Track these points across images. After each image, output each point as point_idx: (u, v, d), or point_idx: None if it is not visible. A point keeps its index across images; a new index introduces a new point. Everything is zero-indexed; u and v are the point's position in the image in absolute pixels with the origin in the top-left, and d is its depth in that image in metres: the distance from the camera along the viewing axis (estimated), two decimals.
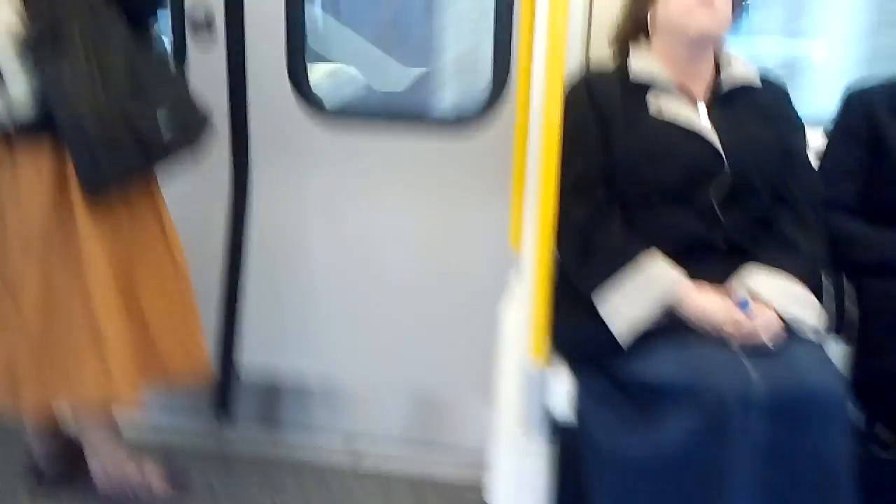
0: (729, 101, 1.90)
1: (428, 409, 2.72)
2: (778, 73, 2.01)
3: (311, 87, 2.63)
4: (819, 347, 1.75)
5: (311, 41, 2.73)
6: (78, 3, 1.96)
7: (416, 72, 3.93)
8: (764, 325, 1.69)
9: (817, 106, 2.47)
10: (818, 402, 1.58)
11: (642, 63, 1.91)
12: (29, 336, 2.09)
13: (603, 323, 1.75)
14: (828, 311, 1.83)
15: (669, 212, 1.81)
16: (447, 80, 3.87)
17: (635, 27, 1.96)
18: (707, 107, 1.89)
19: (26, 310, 2.08)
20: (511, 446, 1.93)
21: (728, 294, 1.76)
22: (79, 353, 2.09)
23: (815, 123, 2.05)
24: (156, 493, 2.38)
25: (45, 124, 1.98)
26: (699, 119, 1.85)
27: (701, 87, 1.91)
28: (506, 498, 1.98)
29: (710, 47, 1.90)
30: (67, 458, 2.44)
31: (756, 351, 1.67)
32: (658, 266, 1.76)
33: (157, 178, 2.20)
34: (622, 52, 1.99)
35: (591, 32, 2.20)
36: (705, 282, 1.77)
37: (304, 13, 2.57)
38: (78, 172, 1.99)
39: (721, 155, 1.81)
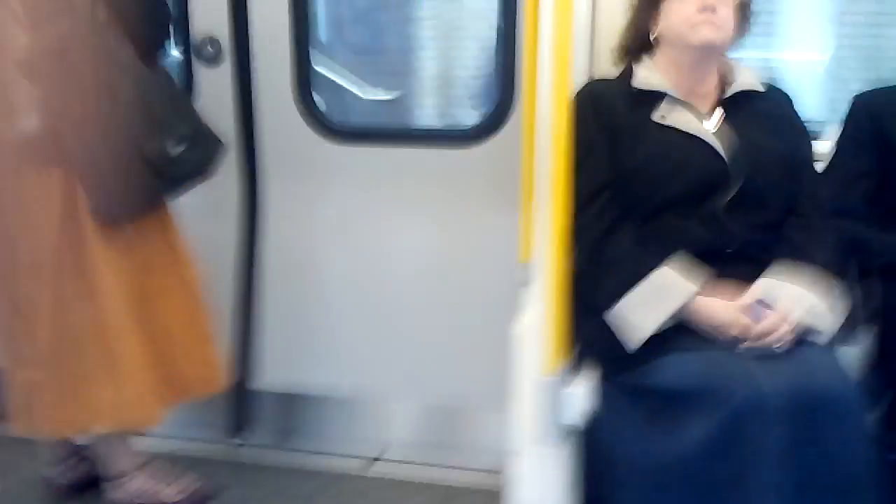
0: (734, 109, 1.91)
1: (444, 417, 2.73)
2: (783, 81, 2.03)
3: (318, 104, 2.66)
4: (832, 351, 1.75)
5: None
6: (89, 38, 1.97)
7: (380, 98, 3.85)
8: (774, 331, 1.70)
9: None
10: (834, 405, 1.58)
11: (647, 74, 1.92)
12: (43, 363, 2.10)
13: (615, 332, 1.77)
14: (840, 316, 1.83)
15: (679, 220, 1.82)
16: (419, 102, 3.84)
17: (639, 39, 1.98)
18: (713, 116, 1.90)
19: (39, 336, 2.09)
20: (529, 454, 1.94)
21: (739, 299, 1.76)
22: (94, 379, 2.10)
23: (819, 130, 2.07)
24: None
25: (54, 150, 1.99)
26: (705, 128, 1.87)
27: (706, 97, 1.93)
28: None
29: (713, 58, 1.92)
30: (80, 468, 2.45)
31: (770, 356, 1.68)
32: (668, 275, 1.77)
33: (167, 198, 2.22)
34: (626, 64, 2.00)
35: (595, 44, 2.22)
36: (716, 292, 1.77)
37: (310, 32, 2.60)
38: (91, 207, 2.01)
39: (727, 164, 1.82)
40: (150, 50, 2.11)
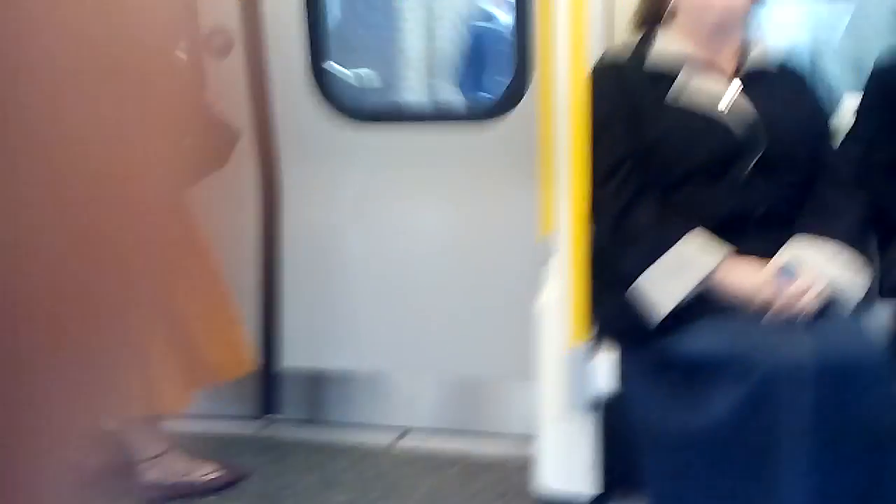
0: (752, 83, 1.90)
1: (469, 392, 2.76)
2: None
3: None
4: (858, 318, 1.75)
5: None
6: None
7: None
8: (804, 294, 1.70)
9: None
10: (861, 372, 1.59)
11: (665, 46, 1.92)
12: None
13: (642, 302, 1.77)
14: (865, 282, 1.83)
15: (705, 187, 1.82)
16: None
17: (657, 8, 1.97)
18: (731, 86, 1.89)
19: None
20: (556, 425, 1.96)
21: (769, 266, 1.76)
22: (119, 371, 2.12)
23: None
24: (206, 487, 2.41)
25: None
26: (729, 92, 1.86)
27: (728, 65, 1.92)
28: (553, 476, 2.01)
29: (733, 27, 1.91)
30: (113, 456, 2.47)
31: (798, 320, 1.68)
32: (694, 244, 1.77)
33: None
34: (645, 34, 1.99)
35: (613, 15, 2.21)
36: (747, 255, 1.77)
37: (325, 13, 2.60)
38: None
39: (754, 125, 1.82)
40: None
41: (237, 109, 2.51)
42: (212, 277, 2.28)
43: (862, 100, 2.06)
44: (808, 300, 1.70)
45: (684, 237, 1.78)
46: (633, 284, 1.78)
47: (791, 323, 1.68)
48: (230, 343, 2.32)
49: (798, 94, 1.93)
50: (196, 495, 2.39)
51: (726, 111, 1.85)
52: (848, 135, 1.99)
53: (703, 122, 1.84)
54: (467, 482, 2.45)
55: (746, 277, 1.74)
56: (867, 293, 1.81)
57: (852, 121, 2.06)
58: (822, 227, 1.82)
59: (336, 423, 2.81)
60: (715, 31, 1.90)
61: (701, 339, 1.69)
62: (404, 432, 2.74)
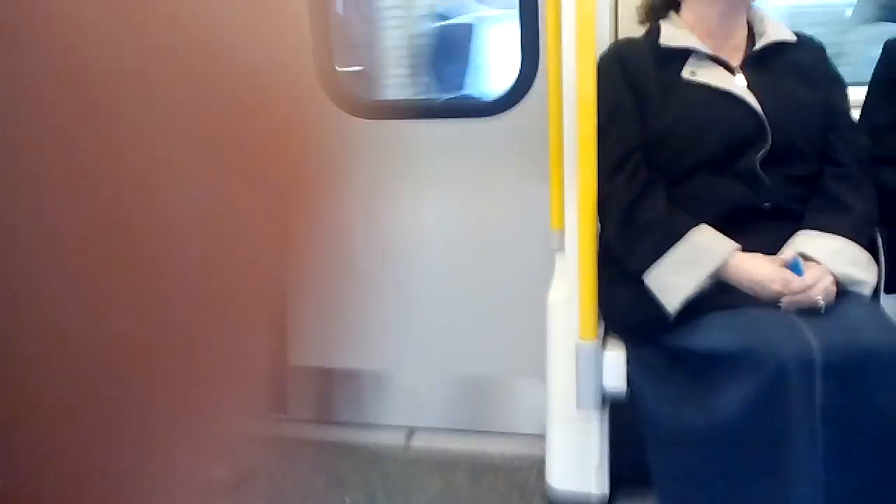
0: (765, 62, 1.87)
1: (481, 388, 2.73)
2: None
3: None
4: (874, 306, 1.73)
5: None
6: None
7: None
8: (815, 284, 1.68)
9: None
10: (876, 361, 1.56)
11: (674, 31, 1.89)
12: None
13: (652, 296, 1.75)
14: (880, 267, 1.81)
15: (713, 179, 1.80)
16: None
17: (663, 8, 1.94)
18: (744, 71, 1.87)
19: None
20: (567, 423, 1.94)
21: (778, 258, 1.74)
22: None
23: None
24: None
25: None
26: (736, 84, 1.83)
27: (736, 52, 1.89)
28: (564, 474, 1.99)
29: (742, 12, 1.89)
30: None
31: (810, 312, 1.66)
32: (704, 236, 1.75)
33: None
34: (651, 22, 1.97)
35: (619, 4, 2.19)
36: (754, 248, 1.75)
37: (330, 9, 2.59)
38: None
39: (761, 118, 1.79)
40: None
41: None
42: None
43: (870, 87, 2.02)
44: (825, 286, 1.68)
45: (693, 230, 1.75)
46: (643, 279, 1.75)
47: (808, 311, 1.65)
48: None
49: (813, 71, 1.89)
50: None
51: (738, 98, 1.81)
52: (857, 124, 1.95)
53: (714, 111, 1.81)
54: (476, 482, 2.43)
55: (762, 264, 1.72)
56: (878, 281, 1.78)
57: (865, 98, 2.02)
58: (836, 210, 1.79)
59: (344, 423, 2.79)
60: (723, 15, 1.87)
61: (711, 335, 1.67)
62: (412, 431, 2.72)
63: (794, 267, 1.70)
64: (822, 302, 1.67)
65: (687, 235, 1.74)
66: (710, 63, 1.86)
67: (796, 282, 1.68)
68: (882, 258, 1.84)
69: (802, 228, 1.78)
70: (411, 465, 2.54)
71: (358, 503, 2.32)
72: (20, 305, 0.17)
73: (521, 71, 2.44)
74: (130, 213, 0.17)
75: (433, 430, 2.71)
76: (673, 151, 1.82)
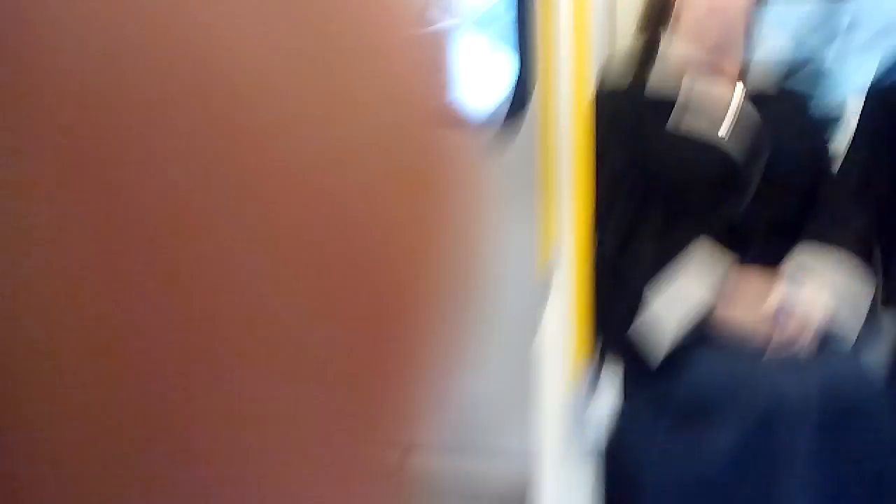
0: (753, 104, 1.88)
1: (467, 422, 2.71)
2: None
3: None
4: (858, 352, 1.74)
5: None
6: None
7: None
8: (799, 336, 1.69)
9: None
10: (861, 408, 1.59)
11: (666, 63, 1.90)
12: None
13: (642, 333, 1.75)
14: (867, 301, 1.81)
15: (699, 217, 1.81)
16: None
17: (656, 27, 1.95)
18: (736, 91, 1.88)
19: None
20: (554, 461, 1.92)
21: (764, 294, 1.75)
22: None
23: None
24: None
25: None
26: (722, 126, 1.84)
27: (726, 84, 1.89)
28: None
29: (731, 46, 1.89)
30: None
31: (795, 359, 1.67)
32: (692, 280, 1.75)
33: None
34: (643, 55, 1.97)
35: (612, 38, 2.19)
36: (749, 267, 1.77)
37: None
38: None
39: (747, 159, 1.80)
40: None
41: None
42: None
43: (860, 120, 2.03)
44: (806, 339, 1.69)
45: (685, 264, 1.75)
46: (636, 314, 1.75)
47: (790, 359, 1.67)
48: None
49: (797, 116, 1.92)
50: None
51: (726, 136, 1.82)
52: (846, 156, 1.96)
53: (700, 152, 1.83)
54: None
55: (741, 320, 1.72)
56: (871, 306, 1.80)
57: (852, 137, 2.03)
58: (824, 243, 1.80)
59: None
60: (718, 37, 1.87)
61: (701, 376, 1.68)
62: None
63: (781, 312, 1.71)
64: (806, 351, 1.68)
65: (672, 283, 1.75)
66: (695, 111, 1.86)
67: (778, 337, 1.69)
68: (869, 289, 1.84)
69: (791, 266, 1.79)
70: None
71: None
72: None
73: (513, 97, 2.44)
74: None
75: (419, 461, 2.68)
76: (666, 187, 1.83)
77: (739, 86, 1.89)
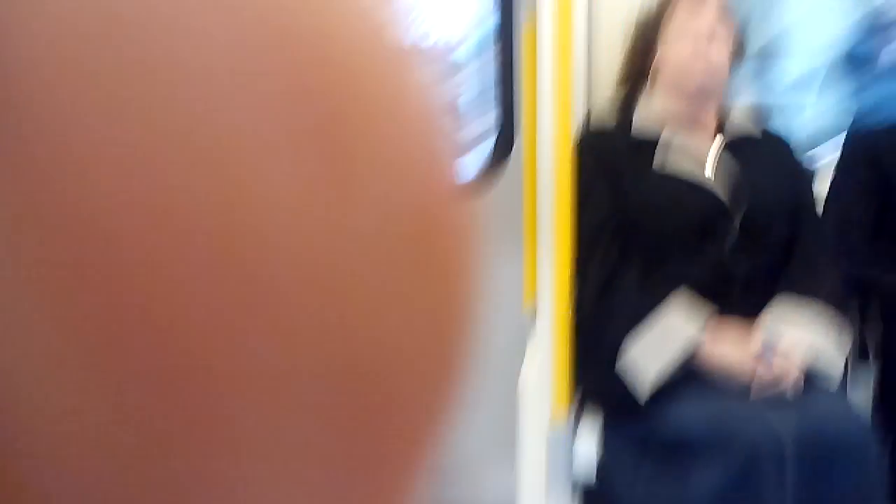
0: (733, 152, 1.91)
1: (449, 469, 2.68)
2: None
3: None
4: (843, 392, 1.76)
5: None
6: None
7: None
8: (785, 373, 1.70)
9: None
10: (847, 448, 1.59)
11: (645, 119, 1.92)
12: None
13: (624, 379, 1.74)
14: (845, 353, 1.83)
15: (682, 262, 1.82)
16: None
17: (636, 84, 1.99)
18: (714, 157, 1.89)
19: None
20: (537, 501, 1.90)
21: (749, 336, 1.76)
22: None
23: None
24: None
25: None
26: (705, 168, 1.87)
27: (706, 136, 1.93)
28: None
29: (711, 99, 1.93)
30: None
31: (779, 400, 1.67)
32: (676, 319, 1.76)
33: None
34: (624, 105, 2.01)
35: (592, 91, 2.21)
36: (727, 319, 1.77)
37: None
38: None
39: (729, 207, 1.83)
40: None
41: None
42: None
43: (838, 171, 2.06)
44: (792, 378, 1.70)
45: (667, 308, 1.76)
46: (617, 360, 1.75)
47: (774, 399, 1.67)
48: None
49: (778, 161, 1.95)
50: None
51: (710, 177, 1.85)
52: (826, 200, 1.98)
53: (687, 191, 1.83)
54: None
55: (727, 356, 1.73)
56: (847, 363, 1.81)
57: (830, 189, 2.05)
58: (802, 296, 1.82)
59: None
60: (696, 92, 1.90)
61: (684, 416, 1.68)
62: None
63: (763, 354, 1.71)
64: (791, 391, 1.69)
65: (658, 319, 1.75)
66: (681, 147, 1.89)
67: (766, 371, 1.69)
68: (850, 335, 1.86)
69: (770, 313, 1.80)
70: None
71: None
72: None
73: (496, 147, 2.45)
74: None
75: None
76: (648, 229, 1.84)
77: (719, 138, 1.91)
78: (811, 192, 1.97)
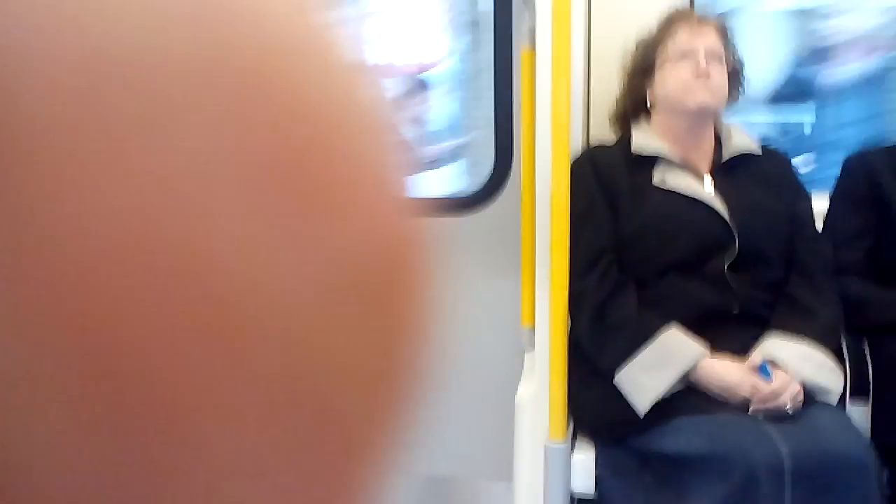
0: (732, 171, 1.92)
1: (445, 491, 2.67)
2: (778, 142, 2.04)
3: None
4: (841, 412, 1.75)
5: None
6: None
7: None
8: (783, 391, 1.69)
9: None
10: (845, 468, 1.57)
11: (644, 139, 1.93)
12: None
13: (622, 396, 1.74)
14: (846, 374, 1.83)
15: (681, 282, 1.82)
16: None
17: (635, 105, 2.00)
18: (711, 178, 1.91)
19: None
20: None
21: (746, 363, 1.75)
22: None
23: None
24: None
25: None
26: (704, 191, 1.87)
27: (703, 159, 1.94)
28: None
29: (709, 121, 1.94)
30: None
31: (778, 418, 1.66)
32: (674, 338, 1.76)
33: None
34: (623, 129, 2.02)
35: (591, 111, 2.23)
36: (722, 351, 1.77)
37: None
38: None
39: (729, 224, 1.83)
40: None
41: None
42: None
43: (836, 192, 2.07)
44: (793, 393, 1.70)
45: (664, 332, 1.76)
46: (617, 375, 1.76)
47: (776, 416, 1.66)
48: None
49: (778, 181, 1.95)
50: None
51: (707, 204, 1.86)
52: (822, 231, 1.99)
53: (684, 216, 1.85)
54: None
55: (730, 369, 1.73)
56: (843, 388, 1.80)
57: (828, 210, 2.07)
58: (801, 317, 1.82)
59: None
60: (691, 127, 1.92)
61: (680, 438, 1.66)
62: None
63: (761, 372, 1.71)
64: (790, 408, 1.68)
65: (657, 336, 1.75)
66: (679, 170, 1.90)
67: (765, 388, 1.69)
68: (847, 366, 1.86)
69: (769, 333, 1.80)
70: None
71: None
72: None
73: (495, 168, 2.47)
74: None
75: None
76: (643, 254, 1.84)
77: (718, 155, 1.92)
78: (810, 209, 1.98)
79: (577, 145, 2.05)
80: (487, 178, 2.50)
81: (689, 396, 1.72)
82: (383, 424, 0.20)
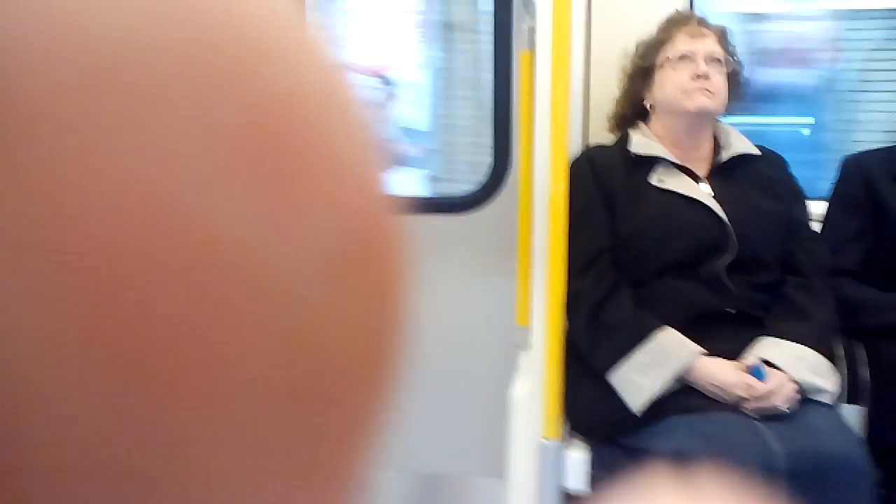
0: (730, 173, 1.93)
1: (438, 488, 2.67)
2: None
3: None
4: (836, 412, 1.75)
5: None
6: None
7: None
8: (778, 390, 1.70)
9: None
10: (840, 468, 1.58)
11: (643, 140, 1.94)
12: None
13: (616, 396, 1.75)
14: (840, 377, 1.84)
15: (678, 283, 1.82)
16: None
17: (634, 107, 2.00)
18: (709, 180, 1.92)
19: None
20: None
21: (741, 364, 1.76)
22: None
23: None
24: None
25: None
26: (702, 192, 1.88)
27: (702, 163, 1.95)
28: None
29: (708, 124, 1.95)
30: None
31: (773, 418, 1.67)
32: (670, 338, 1.77)
33: None
34: (622, 126, 2.03)
35: (590, 112, 2.24)
36: (718, 352, 1.77)
37: None
38: None
39: (726, 226, 1.83)
40: None
41: None
42: None
43: (833, 194, 2.09)
44: (787, 393, 1.70)
45: (659, 332, 1.77)
46: (613, 373, 1.76)
47: (764, 421, 1.67)
48: None
49: (775, 183, 1.96)
50: None
51: (705, 205, 1.86)
52: (818, 235, 2.00)
53: (681, 217, 1.85)
54: None
55: (726, 369, 1.74)
56: (838, 391, 1.81)
57: (822, 219, 2.08)
58: (791, 328, 1.82)
59: None
60: (690, 129, 1.93)
61: (675, 437, 1.67)
62: None
63: (756, 372, 1.73)
64: (785, 407, 1.69)
65: (653, 336, 1.76)
66: (676, 171, 1.91)
67: (759, 387, 1.70)
68: (843, 369, 1.87)
69: (764, 335, 1.81)
70: None
71: None
72: None
73: (493, 169, 2.47)
74: None
75: None
76: (640, 254, 1.85)
77: (716, 157, 1.93)
78: (806, 211, 1.99)
79: (575, 147, 2.06)
80: (486, 178, 2.50)
81: (683, 396, 1.73)
82: (366, 415, 0.21)
